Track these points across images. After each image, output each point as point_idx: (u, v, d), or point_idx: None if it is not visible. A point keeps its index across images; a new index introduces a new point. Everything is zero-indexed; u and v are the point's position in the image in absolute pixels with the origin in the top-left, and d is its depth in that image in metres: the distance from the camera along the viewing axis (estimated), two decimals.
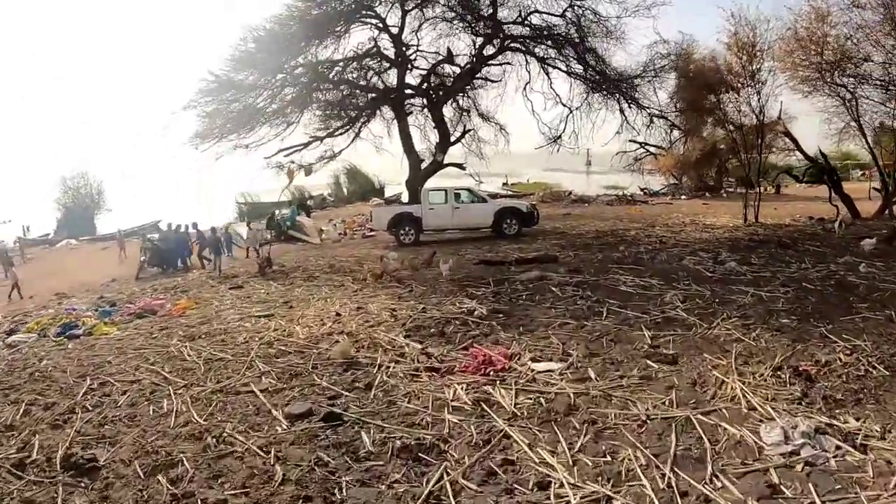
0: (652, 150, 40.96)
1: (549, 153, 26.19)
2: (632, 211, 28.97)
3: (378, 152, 26.66)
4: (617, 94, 23.67)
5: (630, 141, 40.62)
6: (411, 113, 26.32)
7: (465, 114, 26.21)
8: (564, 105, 24.85)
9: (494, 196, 26.28)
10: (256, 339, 8.81)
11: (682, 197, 36.46)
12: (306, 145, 24.05)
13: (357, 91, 25.40)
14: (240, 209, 36.86)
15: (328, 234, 24.69)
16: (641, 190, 39.34)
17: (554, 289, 11.01)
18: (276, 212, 26.49)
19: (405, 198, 26.40)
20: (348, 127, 26.63)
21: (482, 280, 12.13)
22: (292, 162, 23.19)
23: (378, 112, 27.58)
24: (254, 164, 26.34)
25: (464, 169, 25.49)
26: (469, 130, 25.38)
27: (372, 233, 23.15)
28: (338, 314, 9.95)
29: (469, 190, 21.14)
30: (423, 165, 24.40)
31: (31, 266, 26.05)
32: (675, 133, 39.98)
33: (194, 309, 11.62)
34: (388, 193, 37.95)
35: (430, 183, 23.31)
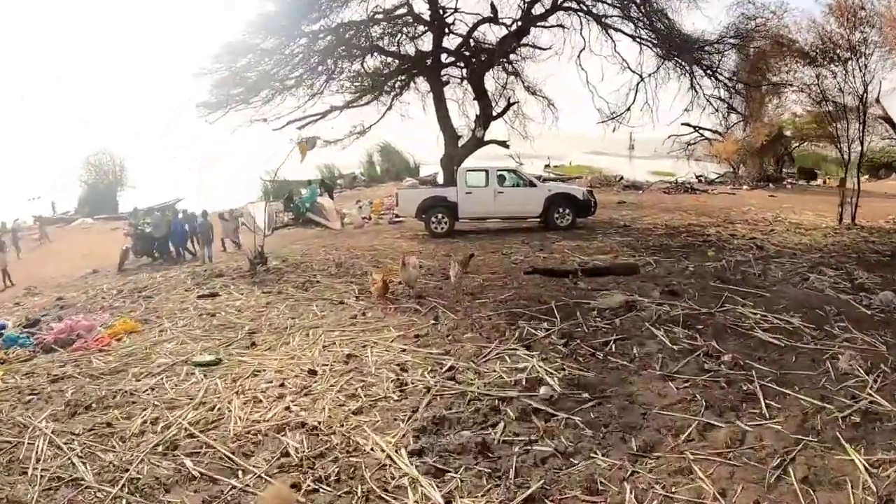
0: (707, 134, 37.22)
1: (606, 131, 22.08)
2: (695, 201, 24.81)
3: (402, 120, 23.00)
4: (690, 64, 19.53)
5: (683, 124, 36.95)
6: (448, 83, 22.65)
7: (508, 86, 22.47)
8: (634, 72, 20.21)
9: (541, 180, 22.08)
10: (158, 429, 4.94)
11: (744, 187, 31.90)
12: (323, 115, 20.44)
13: (388, 59, 21.83)
14: (265, 187, 33.69)
15: (351, 217, 21.21)
16: (697, 177, 34.92)
17: (654, 330, 6.90)
18: (296, 192, 23.25)
19: (441, 179, 22.67)
20: (374, 96, 23.13)
21: (540, 305, 8.10)
22: (302, 138, 19.69)
23: (412, 83, 24.10)
24: (278, 139, 23.38)
25: (507, 147, 21.32)
26: (514, 103, 21.29)
27: (399, 218, 19.29)
28: (312, 372, 6.04)
29: (515, 171, 17.03)
30: (461, 143, 20.80)
31: (35, 248, 23.50)
32: (733, 117, 36.57)
33: (129, 336, 7.97)
34: (423, 173, 34.34)
35: (469, 163, 19.28)
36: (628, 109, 20.53)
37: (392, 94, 23.94)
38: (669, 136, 37.61)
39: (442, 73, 21.64)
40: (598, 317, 7.56)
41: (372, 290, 9.11)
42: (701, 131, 36.84)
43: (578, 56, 20.73)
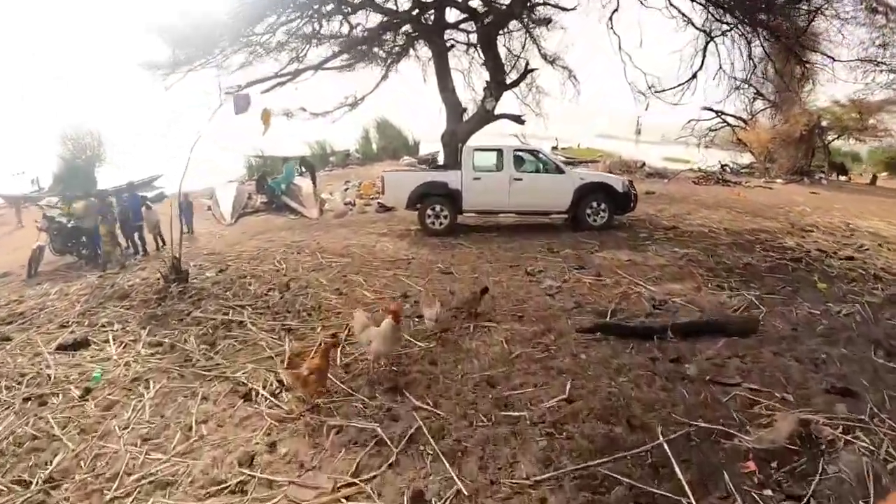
0: (730, 121, 32.89)
1: (645, 109, 17.78)
2: (735, 196, 20.62)
3: (399, 91, 18.87)
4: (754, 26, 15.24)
5: (705, 109, 32.64)
6: (453, 47, 18.42)
7: (522, 54, 18.17)
8: (699, 29, 15.59)
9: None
10: None
11: (778, 181, 27.71)
12: (294, 76, 16.25)
13: (383, 17, 17.58)
14: (249, 163, 29.32)
15: (332, 204, 17.07)
16: (723, 167, 30.69)
17: None
18: (289, 166, 19.04)
19: (442, 158, 18.49)
20: (365, 61, 19.00)
21: (632, 434, 4.09)
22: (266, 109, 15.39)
23: (412, 49, 19.87)
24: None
25: (522, 123, 16.96)
26: (533, 70, 17.07)
27: (390, 207, 15.00)
28: None
29: (537, 153, 12.55)
30: (466, 118, 16.69)
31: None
32: (758, 103, 32.18)
33: None
34: (423, 151, 30.04)
35: (477, 140, 15.04)
36: (694, 76, 16.04)
37: (388, 60, 19.81)
38: (690, 121, 33.53)
39: (446, 36, 17.44)
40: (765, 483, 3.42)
41: (296, 382, 4.60)
42: (724, 117, 33.01)
43: (610, 19, 16.45)
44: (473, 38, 18.09)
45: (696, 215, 14.83)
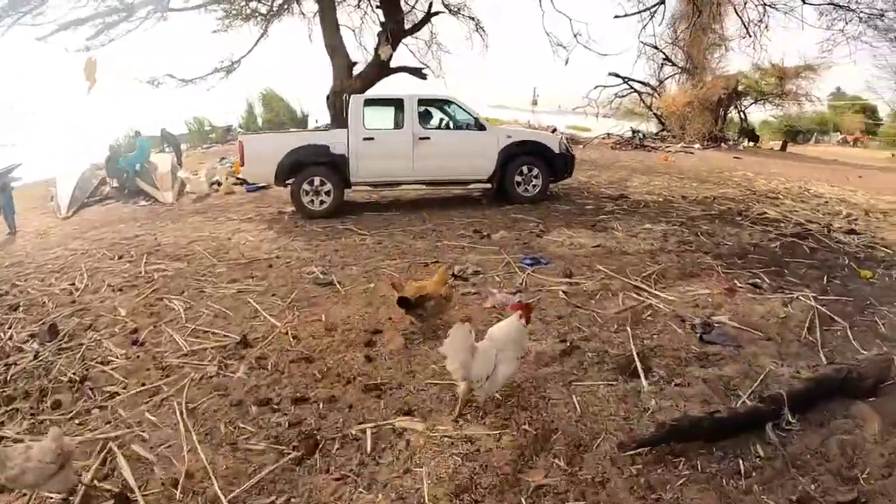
0: (637, 87, 31.20)
1: (565, 64, 14.91)
2: (664, 161, 18.39)
3: (264, 37, 15.13)
4: None
5: (612, 74, 30.77)
6: None
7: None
8: None
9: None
10: None
11: (696, 146, 26.10)
12: (128, 15, 12.09)
13: None
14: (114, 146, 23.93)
15: (193, 185, 13.17)
16: (634, 132, 28.84)
17: None
18: (143, 141, 14.65)
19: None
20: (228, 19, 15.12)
21: None
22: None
23: (296, 2, 16.15)
24: None
25: (424, 78, 13.63)
26: (436, 13, 13.66)
27: (260, 185, 11.14)
28: None
29: (449, 103, 9.21)
30: (358, 71, 13.26)
31: None
32: (667, 69, 30.70)
33: None
34: (312, 124, 25.91)
35: (369, 93, 11.41)
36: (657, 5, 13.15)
37: (268, 15, 15.99)
38: (596, 87, 31.55)
39: None
40: None
41: None
42: (631, 83, 31.24)
43: None
44: None
45: (636, 182, 12.30)
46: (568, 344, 3.74)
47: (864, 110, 39.80)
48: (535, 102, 51.19)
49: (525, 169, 8.93)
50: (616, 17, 12.99)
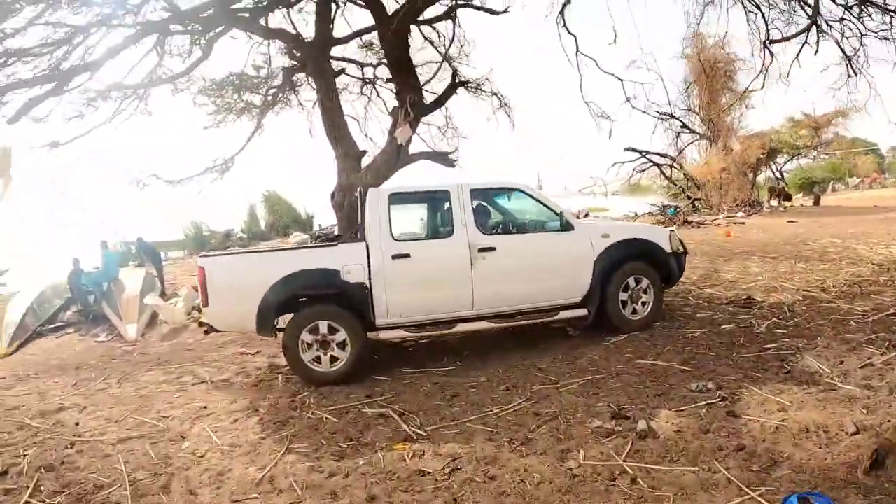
0: (656, 159, 29.11)
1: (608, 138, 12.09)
2: (728, 237, 15.38)
3: (259, 130, 12.70)
4: None
5: (628, 149, 28.64)
6: (343, 71, 12.53)
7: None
8: None
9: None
10: None
11: (739, 214, 23.27)
12: (56, 88, 9.06)
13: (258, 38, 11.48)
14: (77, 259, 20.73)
15: (166, 314, 10.17)
16: (664, 207, 26.27)
17: None
18: (110, 255, 11.69)
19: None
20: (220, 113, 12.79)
21: None
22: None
23: (293, 92, 13.86)
24: None
25: (452, 165, 10.62)
26: (465, 83, 10.90)
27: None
28: None
29: (515, 191, 5.99)
30: (367, 162, 10.47)
31: None
32: (684, 137, 28.71)
33: None
34: (318, 226, 23.13)
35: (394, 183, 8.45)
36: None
37: (262, 107, 13.68)
38: (614, 164, 29.48)
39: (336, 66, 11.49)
40: None
41: None
42: (649, 156, 29.06)
43: (562, 11, 10.77)
44: (369, 72, 12.69)
45: (732, 271, 9.32)
46: None
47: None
48: (540, 187, 49.84)
49: (632, 281, 5.92)
50: (772, 41, 9.73)
